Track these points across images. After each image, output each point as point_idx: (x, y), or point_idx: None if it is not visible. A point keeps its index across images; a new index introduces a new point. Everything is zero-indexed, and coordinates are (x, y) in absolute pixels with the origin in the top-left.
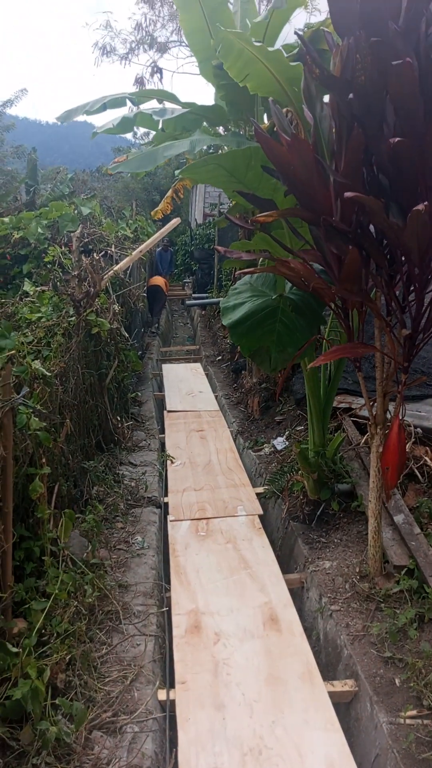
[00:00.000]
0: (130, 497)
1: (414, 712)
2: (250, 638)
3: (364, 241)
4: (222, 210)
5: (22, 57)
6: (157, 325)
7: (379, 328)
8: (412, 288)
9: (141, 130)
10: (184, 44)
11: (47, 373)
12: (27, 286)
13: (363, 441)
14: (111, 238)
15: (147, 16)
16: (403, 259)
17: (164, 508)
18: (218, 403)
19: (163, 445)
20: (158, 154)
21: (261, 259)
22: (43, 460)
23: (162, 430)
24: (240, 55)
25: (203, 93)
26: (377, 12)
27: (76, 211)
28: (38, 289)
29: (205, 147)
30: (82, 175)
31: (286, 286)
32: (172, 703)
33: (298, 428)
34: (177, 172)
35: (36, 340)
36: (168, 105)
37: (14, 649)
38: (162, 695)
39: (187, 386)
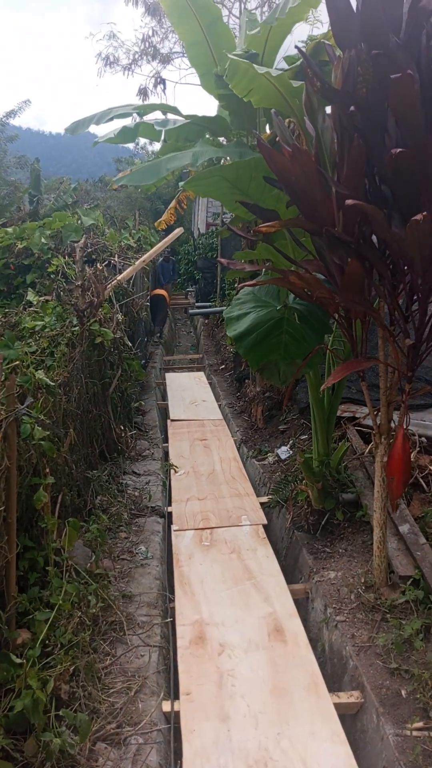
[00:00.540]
0: (133, 507)
1: (420, 724)
2: (255, 649)
3: (366, 251)
4: (225, 220)
5: (25, 68)
6: (160, 334)
7: (382, 338)
8: (415, 298)
9: (142, 140)
10: (186, 55)
11: (51, 383)
12: (30, 296)
13: (367, 450)
14: (114, 247)
15: (152, 28)
16: (405, 269)
17: (168, 518)
18: (222, 412)
19: (166, 454)
20: (161, 167)
21: (264, 269)
22: (47, 470)
23: (165, 439)
24: (245, 74)
25: (205, 104)
26: (378, 25)
27: (79, 222)
28: (42, 298)
29: (207, 159)
30: (85, 185)
31: (290, 296)
32: (177, 714)
33: (302, 437)
34: (181, 184)
35: (39, 350)
36: (170, 116)
37: (18, 660)
38: (166, 706)
39: (191, 395)
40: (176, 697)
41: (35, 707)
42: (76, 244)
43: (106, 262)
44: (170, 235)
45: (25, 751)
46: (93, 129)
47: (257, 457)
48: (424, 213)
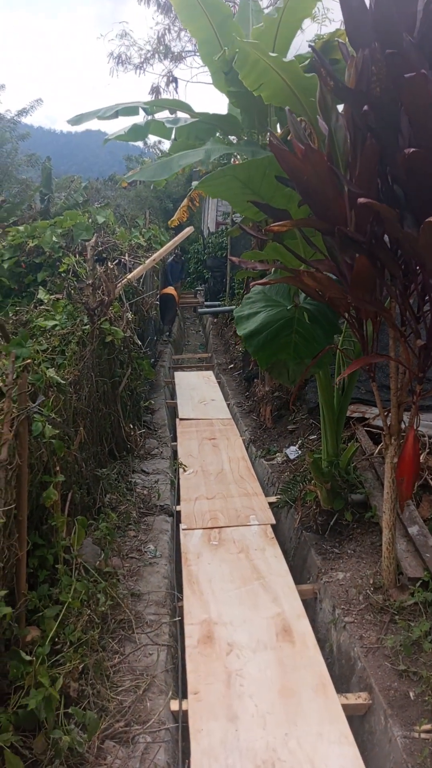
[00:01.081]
0: (142, 505)
1: (429, 726)
2: (263, 649)
3: (378, 251)
4: (235, 219)
5: (36, 67)
6: (169, 332)
7: (393, 338)
8: (426, 298)
9: (152, 139)
10: (198, 54)
11: (62, 381)
12: (41, 295)
13: (377, 451)
14: (124, 246)
15: (164, 26)
16: (417, 269)
17: (176, 517)
18: (230, 412)
19: (175, 453)
20: (173, 163)
21: (273, 269)
22: (58, 468)
23: (174, 438)
24: (255, 65)
25: (217, 102)
26: (392, 23)
27: (90, 220)
28: (53, 297)
29: (218, 156)
30: (96, 184)
31: (301, 296)
32: (185, 713)
33: (311, 437)
34: (194, 184)
35: (50, 349)
36: (181, 114)
37: (27, 657)
38: (174, 705)
39: (200, 394)
40: (184, 696)
41: (48, 705)
42: (87, 243)
43: (117, 261)
44: (180, 234)
45: (35, 748)
46: (104, 128)
47: (266, 456)
48: None
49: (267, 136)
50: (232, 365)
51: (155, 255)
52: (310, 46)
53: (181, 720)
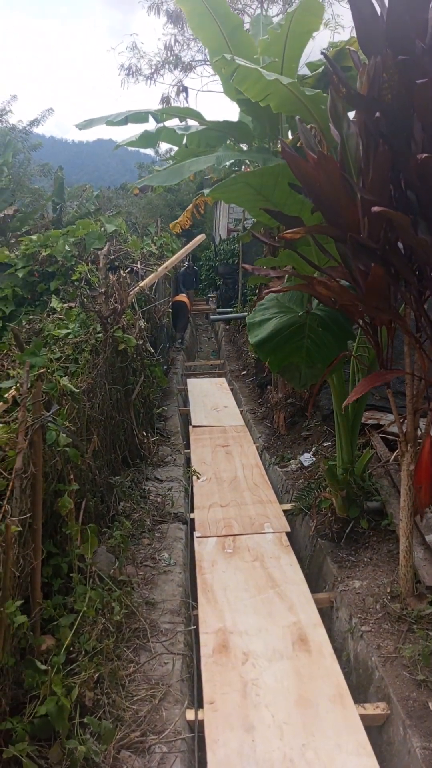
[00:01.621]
0: (156, 513)
1: None
2: (279, 659)
3: (392, 257)
4: (246, 225)
5: (48, 77)
6: (181, 339)
7: (408, 345)
8: None
9: (163, 147)
10: (208, 63)
11: (75, 390)
12: (54, 303)
13: (392, 458)
14: (136, 254)
15: (174, 36)
16: None
17: (190, 524)
18: (243, 418)
19: (188, 460)
20: (184, 169)
21: (287, 276)
22: (71, 477)
23: (187, 445)
24: (258, 80)
25: (228, 111)
26: (403, 30)
27: (102, 229)
28: (66, 305)
29: (229, 163)
30: (107, 193)
31: (314, 302)
32: (201, 723)
33: (325, 444)
34: (206, 191)
35: (64, 357)
36: (191, 122)
37: (43, 667)
38: (190, 715)
39: (212, 401)
40: (200, 705)
41: (60, 714)
42: (99, 252)
43: (129, 269)
44: (192, 242)
45: (50, 757)
46: (115, 137)
47: (280, 463)
48: None
49: (278, 143)
50: (244, 372)
51: (167, 263)
52: (322, 53)
53: (197, 730)
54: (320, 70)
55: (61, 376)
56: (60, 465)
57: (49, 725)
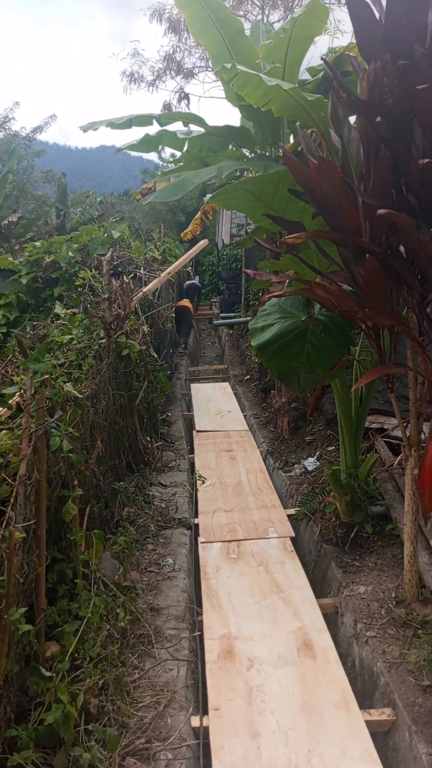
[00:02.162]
0: (160, 518)
1: None
2: (284, 665)
3: (394, 261)
4: (248, 230)
5: (51, 83)
6: (185, 344)
7: (411, 349)
8: None
9: (167, 152)
10: (209, 69)
11: (79, 396)
12: (58, 309)
13: (396, 462)
14: (140, 260)
15: (175, 45)
16: None
17: (194, 530)
18: (247, 423)
19: (192, 465)
20: (187, 182)
21: (288, 280)
22: (76, 482)
23: (191, 450)
24: (259, 85)
25: (230, 117)
26: (402, 35)
27: (105, 235)
28: (69, 311)
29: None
30: (111, 199)
31: (316, 307)
32: (206, 729)
33: (329, 449)
34: (206, 198)
35: (68, 363)
36: (194, 127)
37: (47, 673)
38: (195, 722)
39: (216, 406)
40: (205, 711)
41: (66, 722)
42: (102, 257)
43: (132, 275)
44: (195, 248)
45: (55, 765)
46: (117, 143)
47: (284, 468)
48: None
49: (279, 149)
50: (248, 376)
51: (170, 268)
52: (322, 58)
53: (202, 736)
54: (320, 75)
55: (64, 382)
56: (64, 471)
57: (54, 732)
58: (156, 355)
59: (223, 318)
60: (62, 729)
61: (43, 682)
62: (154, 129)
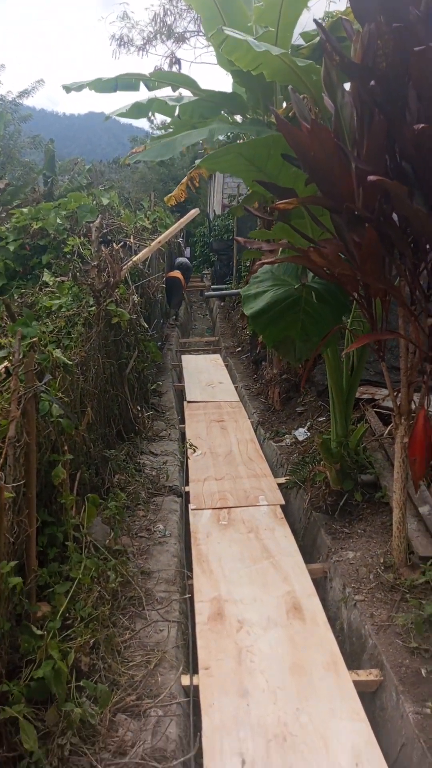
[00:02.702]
0: (151, 486)
1: None
2: (274, 627)
3: (387, 228)
4: (240, 201)
5: (38, 47)
6: (175, 316)
7: (403, 318)
8: None
9: (158, 119)
10: (201, 34)
11: (68, 362)
12: (46, 277)
13: (386, 432)
14: (130, 228)
15: (166, 8)
16: (428, 247)
17: (185, 498)
18: (238, 394)
19: (183, 435)
20: (177, 143)
21: (280, 249)
22: (65, 447)
23: (182, 421)
24: (248, 51)
25: (221, 83)
26: None
27: (94, 202)
28: (58, 279)
29: (223, 137)
30: (99, 166)
31: (309, 275)
32: (196, 688)
33: (320, 419)
34: (197, 161)
35: (56, 330)
36: (184, 92)
37: (39, 632)
38: (186, 681)
39: (207, 377)
40: (195, 671)
41: (57, 677)
42: (92, 224)
43: (122, 243)
44: (186, 216)
45: (47, 720)
46: (106, 110)
47: (274, 438)
48: None
49: (271, 114)
50: (239, 348)
51: (161, 237)
52: (315, 21)
53: (192, 695)
54: (315, 40)
55: (53, 349)
56: (53, 436)
57: (45, 688)
58: (146, 326)
59: (214, 290)
60: (53, 684)
61: (34, 640)
62: (143, 95)
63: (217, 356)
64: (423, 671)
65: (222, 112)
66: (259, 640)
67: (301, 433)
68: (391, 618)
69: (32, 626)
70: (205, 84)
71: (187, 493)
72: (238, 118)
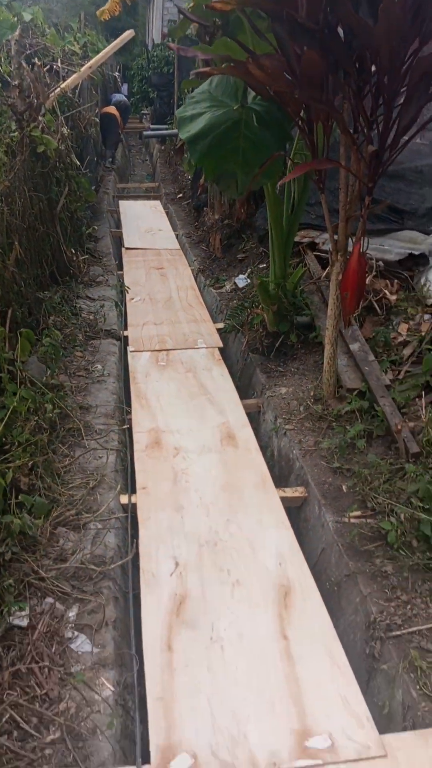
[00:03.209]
0: (88, 329)
1: (358, 513)
2: (208, 452)
3: (331, 42)
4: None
5: None
6: (111, 159)
7: (344, 146)
8: (381, 100)
9: None
10: None
11: None
12: None
13: (324, 275)
14: (57, 51)
15: None
16: (373, 68)
17: (124, 342)
18: (179, 242)
19: (121, 281)
20: None
21: (220, 59)
22: None
23: (120, 267)
24: None
25: None
26: None
27: (15, 18)
28: None
29: None
30: None
31: (249, 96)
32: (134, 506)
33: (261, 266)
34: None
35: None
36: None
37: None
38: (124, 499)
39: (146, 224)
40: (133, 491)
41: None
42: (11, 37)
43: (48, 67)
44: (119, 39)
45: None
46: None
47: (215, 285)
48: None
49: None
50: (180, 195)
51: (92, 62)
52: None
53: (130, 511)
54: None
55: None
56: None
57: None
58: (78, 162)
59: (153, 130)
60: None
61: None
62: None
63: (157, 203)
64: (344, 487)
65: None
66: (194, 464)
67: (241, 280)
68: (317, 443)
69: None
70: None
71: (126, 338)
72: None
